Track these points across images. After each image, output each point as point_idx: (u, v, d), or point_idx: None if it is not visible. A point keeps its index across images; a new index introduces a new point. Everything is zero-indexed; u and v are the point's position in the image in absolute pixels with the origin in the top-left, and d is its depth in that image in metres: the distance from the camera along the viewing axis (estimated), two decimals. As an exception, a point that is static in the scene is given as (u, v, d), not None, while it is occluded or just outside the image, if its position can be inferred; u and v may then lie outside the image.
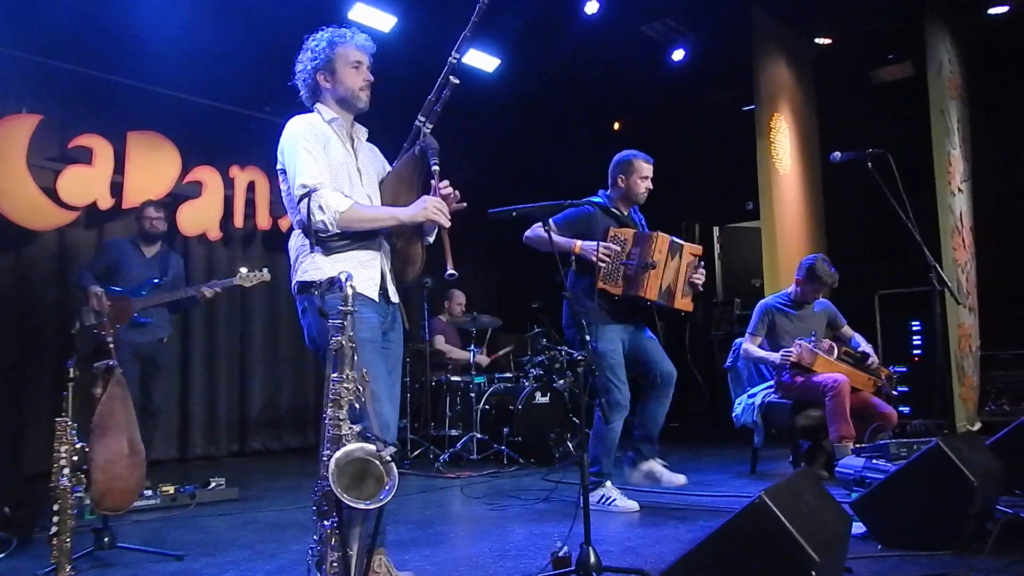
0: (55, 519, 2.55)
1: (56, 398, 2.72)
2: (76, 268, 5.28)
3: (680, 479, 3.94)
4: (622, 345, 3.95)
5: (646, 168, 4.06)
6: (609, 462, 3.97)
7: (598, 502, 3.85)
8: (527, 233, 3.87)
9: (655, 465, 3.96)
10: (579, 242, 3.87)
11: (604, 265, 3.84)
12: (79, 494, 2.90)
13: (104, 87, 6.01)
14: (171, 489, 4.28)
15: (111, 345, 3.57)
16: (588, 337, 3.82)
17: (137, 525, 3.84)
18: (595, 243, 3.85)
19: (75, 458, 2.79)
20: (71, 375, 2.96)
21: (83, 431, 2.99)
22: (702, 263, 4.09)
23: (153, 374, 4.94)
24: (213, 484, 4.47)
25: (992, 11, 7.07)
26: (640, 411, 4.03)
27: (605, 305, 3.90)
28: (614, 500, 3.88)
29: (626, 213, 4.09)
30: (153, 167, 6.24)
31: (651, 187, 4.09)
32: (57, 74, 5.78)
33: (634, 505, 3.86)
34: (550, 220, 3.81)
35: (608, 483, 3.95)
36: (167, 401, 5.30)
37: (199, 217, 6.54)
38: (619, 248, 3.88)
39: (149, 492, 4.18)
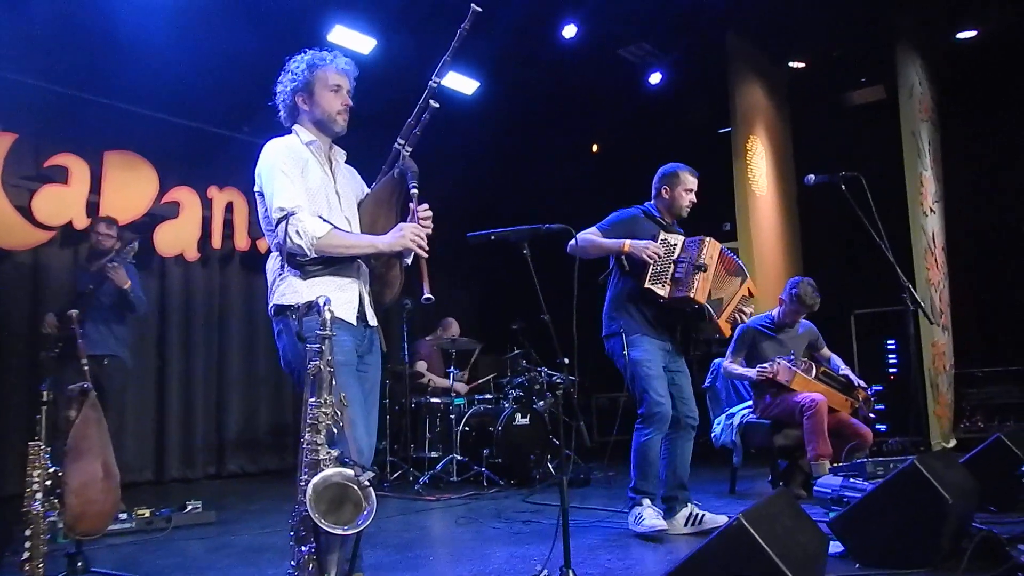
0: (27, 544, 2.52)
1: (26, 418, 2.68)
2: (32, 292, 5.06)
3: (722, 519, 3.66)
4: (660, 360, 3.79)
5: (691, 181, 3.97)
6: (645, 479, 3.71)
7: (632, 521, 3.69)
8: (572, 242, 3.62)
9: (694, 509, 3.75)
10: (628, 240, 3.77)
11: (653, 264, 3.73)
12: (52, 518, 2.85)
13: (81, 106, 5.98)
14: (147, 512, 4.21)
15: (85, 367, 3.54)
16: (624, 347, 3.76)
17: (111, 549, 3.77)
18: (646, 241, 3.77)
19: (48, 482, 2.76)
20: (44, 398, 2.93)
21: (56, 454, 2.95)
22: (751, 304, 4.00)
23: (102, 393, 4.81)
24: (189, 507, 4.41)
25: (960, 36, 7.25)
26: (667, 455, 3.79)
27: (647, 312, 3.81)
28: (643, 519, 3.65)
29: (669, 223, 4.00)
30: (130, 187, 6.21)
31: (695, 200, 3.99)
32: (33, 93, 5.74)
33: (660, 524, 3.63)
34: (594, 227, 3.82)
35: (645, 501, 3.70)
36: (126, 427, 5.08)
37: (176, 237, 6.50)
38: (669, 250, 3.79)
39: (124, 515, 4.10)
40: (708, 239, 3.82)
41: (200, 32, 5.68)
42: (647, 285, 3.73)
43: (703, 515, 3.73)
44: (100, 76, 5.88)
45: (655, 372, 3.75)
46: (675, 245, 3.82)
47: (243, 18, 5.62)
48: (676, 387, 3.84)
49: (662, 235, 3.86)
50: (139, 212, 6.22)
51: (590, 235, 3.81)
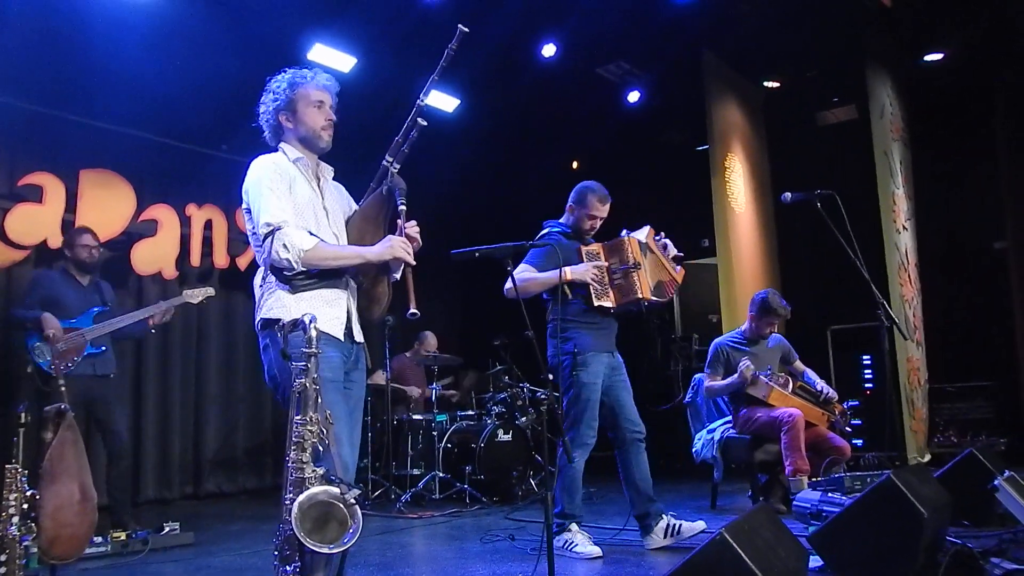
0: (2, 570, 2.47)
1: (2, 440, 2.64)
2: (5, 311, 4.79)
3: (700, 525, 3.76)
4: (601, 381, 3.84)
5: (598, 207, 3.95)
6: (573, 503, 3.79)
7: (563, 547, 3.69)
8: (508, 285, 3.42)
9: (671, 520, 3.79)
10: (567, 268, 3.77)
11: (595, 284, 3.79)
12: (27, 543, 2.81)
13: (56, 124, 5.91)
14: (122, 535, 4.15)
15: (62, 387, 3.50)
16: (575, 367, 3.78)
17: (86, 574, 3.71)
18: (583, 265, 3.82)
19: (24, 506, 2.72)
20: (22, 420, 2.89)
21: (32, 476, 2.91)
22: (661, 235, 4.11)
23: (111, 408, 4.71)
24: (166, 529, 4.35)
25: (928, 58, 7.43)
26: (626, 474, 3.86)
27: (594, 327, 3.85)
28: (576, 545, 3.68)
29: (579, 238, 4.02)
30: (106, 205, 6.14)
31: (596, 226, 4.01)
32: (7, 111, 5.66)
33: (596, 551, 3.65)
34: (523, 264, 3.83)
35: (573, 526, 3.77)
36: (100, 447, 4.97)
37: (154, 255, 6.43)
38: (601, 263, 3.86)
39: (99, 539, 4.03)
40: (625, 238, 3.89)
41: (178, 50, 5.66)
42: (596, 303, 3.82)
43: (680, 524, 3.78)
44: (76, 94, 5.82)
45: (595, 398, 3.81)
46: (599, 255, 3.89)
47: (222, 36, 5.62)
48: (618, 403, 3.89)
49: (583, 250, 3.92)
50: (116, 230, 6.15)
51: (526, 273, 3.79)
